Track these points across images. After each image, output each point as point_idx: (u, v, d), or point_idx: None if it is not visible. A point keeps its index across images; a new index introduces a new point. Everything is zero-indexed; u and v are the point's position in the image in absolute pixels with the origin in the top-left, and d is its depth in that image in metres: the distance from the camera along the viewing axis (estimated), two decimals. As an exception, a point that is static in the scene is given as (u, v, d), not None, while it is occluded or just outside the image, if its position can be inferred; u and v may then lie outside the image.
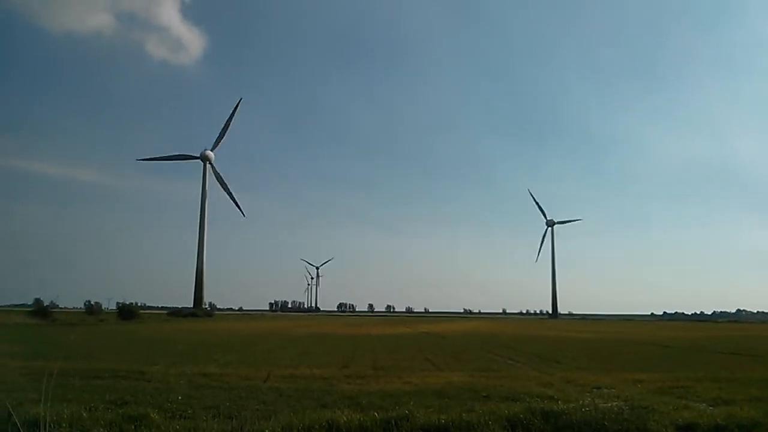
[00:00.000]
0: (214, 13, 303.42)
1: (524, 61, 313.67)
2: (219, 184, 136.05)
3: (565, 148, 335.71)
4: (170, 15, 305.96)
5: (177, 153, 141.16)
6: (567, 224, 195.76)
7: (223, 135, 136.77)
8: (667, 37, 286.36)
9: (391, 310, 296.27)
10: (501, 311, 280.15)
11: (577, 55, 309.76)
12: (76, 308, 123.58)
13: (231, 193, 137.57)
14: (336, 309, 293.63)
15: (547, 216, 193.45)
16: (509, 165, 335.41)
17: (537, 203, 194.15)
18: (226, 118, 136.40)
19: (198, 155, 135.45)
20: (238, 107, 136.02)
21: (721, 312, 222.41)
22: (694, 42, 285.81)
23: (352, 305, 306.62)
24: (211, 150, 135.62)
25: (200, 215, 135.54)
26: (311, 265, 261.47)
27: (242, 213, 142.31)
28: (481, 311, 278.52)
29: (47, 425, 7.13)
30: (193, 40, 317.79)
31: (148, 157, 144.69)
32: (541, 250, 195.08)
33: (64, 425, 8.70)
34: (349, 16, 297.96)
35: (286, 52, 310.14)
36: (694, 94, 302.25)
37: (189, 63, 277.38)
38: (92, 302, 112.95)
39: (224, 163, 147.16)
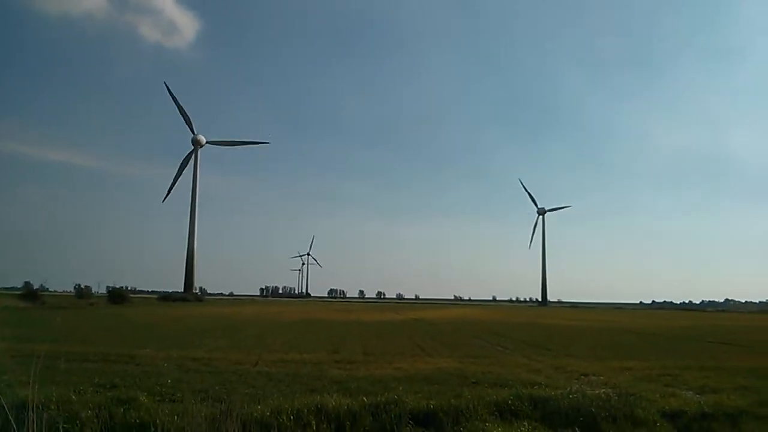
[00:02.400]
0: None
1: (522, 51, 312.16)
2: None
3: (561, 138, 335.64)
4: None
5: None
6: (557, 211, 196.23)
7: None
8: (663, 28, 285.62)
9: (382, 296, 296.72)
10: (491, 299, 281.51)
11: (574, 45, 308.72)
12: (66, 292, 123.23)
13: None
14: (327, 295, 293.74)
15: (538, 204, 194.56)
16: (505, 154, 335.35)
17: (528, 192, 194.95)
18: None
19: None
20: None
21: (709, 301, 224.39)
22: (691, 32, 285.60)
23: (343, 291, 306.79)
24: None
25: (191, 200, 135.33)
26: (300, 256, 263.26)
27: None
28: (471, 298, 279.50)
29: (35, 407, 7.09)
30: (187, 24, 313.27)
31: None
32: (533, 238, 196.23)
33: (52, 407, 8.67)
34: (347, 3, 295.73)
35: (282, 39, 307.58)
36: (689, 85, 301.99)
37: (183, 46, 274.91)
38: (82, 286, 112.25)
39: (219, 150, 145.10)
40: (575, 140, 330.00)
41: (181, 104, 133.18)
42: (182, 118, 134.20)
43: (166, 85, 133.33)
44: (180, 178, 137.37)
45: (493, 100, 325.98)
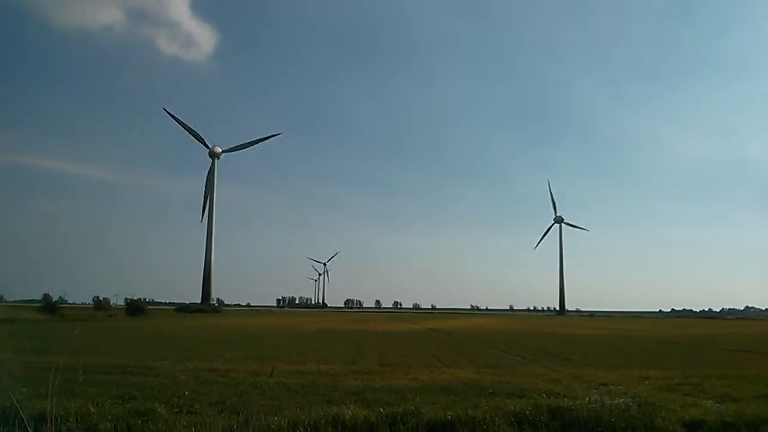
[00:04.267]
0: (225, 10, 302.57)
1: (534, 60, 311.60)
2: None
3: (574, 147, 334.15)
4: (180, 11, 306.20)
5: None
6: (573, 228, 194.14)
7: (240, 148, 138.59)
8: (676, 37, 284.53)
9: (398, 306, 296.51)
10: (508, 308, 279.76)
11: (587, 54, 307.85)
12: (85, 304, 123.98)
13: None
14: (343, 305, 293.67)
15: (557, 212, 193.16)
16: (518, 163, 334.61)
17: (552, 196, 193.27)
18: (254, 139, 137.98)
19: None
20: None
21: (729, 309, 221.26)
22: (704, 41, 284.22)
23: (360, 301, 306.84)
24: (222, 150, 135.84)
25: (208, 211, 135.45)
26: (318, 262, 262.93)
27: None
28: (488, 308, 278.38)
29: (54, 420, 7.15)
30: (204, 36, 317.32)
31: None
32: (542, 242, 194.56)
33: (71, 420, 8.74)
34: (358, 14, 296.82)
35: (296, 50, 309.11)
36: (703, 94, 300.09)
37: (200, 59, 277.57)
38: (100, 298, 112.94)
39: (233, 160, 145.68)
40: (588, 149, 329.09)
41: (187, 123, 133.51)
42: (193, 137, 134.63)
43: (166, 110, 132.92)
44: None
45: (505, 109, 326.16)
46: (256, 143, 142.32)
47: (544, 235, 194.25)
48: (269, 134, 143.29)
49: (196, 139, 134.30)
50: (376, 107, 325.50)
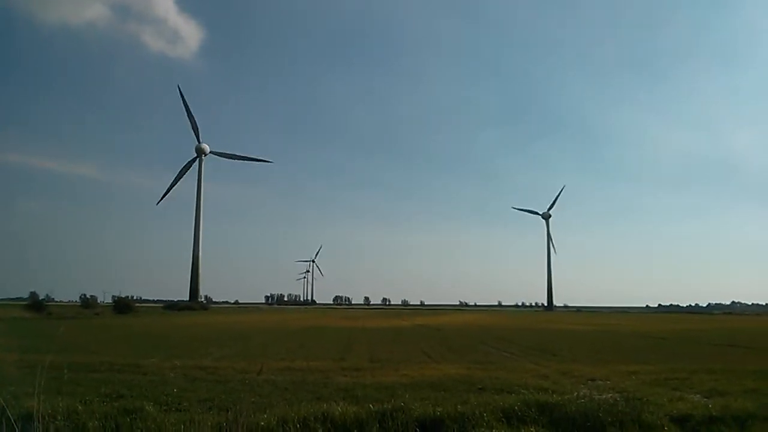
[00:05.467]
0: (212, 6, 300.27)
1: (522, 56, 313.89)
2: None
3: (563, 142, 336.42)
4: (166, 6, 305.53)
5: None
6: (557, 202, 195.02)
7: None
8: (664, 32, 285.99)
9: (387, 303, 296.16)
10: (497, 303, 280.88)
11: (574, 49, 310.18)
12: (72, 302, 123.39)
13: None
14: (332, 302, 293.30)
15: (539, 212, 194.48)
16: (507, 159, 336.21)
17: (527, 211, 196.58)
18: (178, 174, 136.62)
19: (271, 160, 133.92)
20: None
21: (716, 304, 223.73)
22: (692, 36, 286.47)
23: (348, 298, 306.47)
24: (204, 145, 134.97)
25: (195, 208, 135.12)
26: (304, 262, 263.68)
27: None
28: (477, 304, 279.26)
29: (42, 418, 7.09)
30: (190, 32, 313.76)
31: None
32: (551, 243, 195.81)
33: (59, 418, 8.67)
34: (348, 11, 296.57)
35: (284, 47, 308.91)
36: (692, 88, 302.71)
37: (187, 55, 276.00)
38: (88, 296, 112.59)
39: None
40: (577, 144, 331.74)
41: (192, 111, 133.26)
42: (190, 124, 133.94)
43: (179, 88, 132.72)
44: (180, 184, 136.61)
45: (494, 105, 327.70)
46: (245, 159, 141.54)
47: (549, 238, 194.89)
48: (260, 157, 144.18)
49: (192, 128, 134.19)
50: (364, 104, 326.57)
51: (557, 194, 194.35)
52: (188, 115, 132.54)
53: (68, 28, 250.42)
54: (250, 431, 8.53)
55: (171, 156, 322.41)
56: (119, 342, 30.19)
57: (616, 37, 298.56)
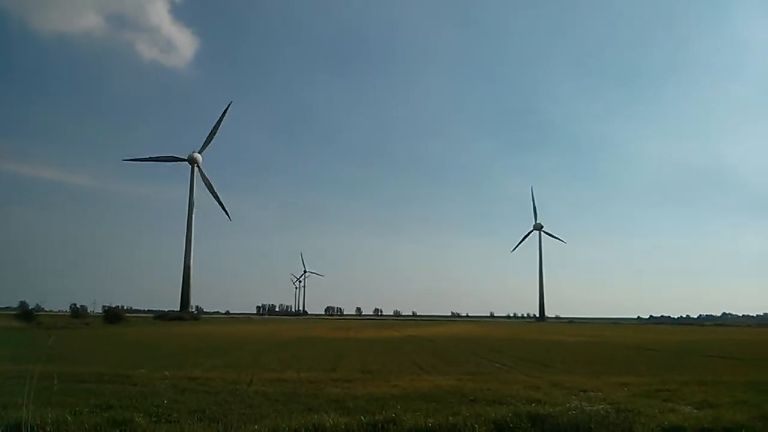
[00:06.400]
0: (206, 15, 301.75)
1: (515, 67, 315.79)
2: (206, 187, 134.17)
3: (555, 153, 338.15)
4: (160, 16, 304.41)
5: (167, 155, 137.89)
6: (551, 238, 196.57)
7: (212, 138, 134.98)
8: (656, 43, 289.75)
9: (379, 313, 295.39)
10: (489, 314, 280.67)
11: (567, 60, 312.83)
12: (62, 311, 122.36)
13: (217, 195, 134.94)
14: (324, 313, 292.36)
15: (537, 219, 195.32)
16: (499, 169, 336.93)
17: (534, 204, 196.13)
18: (215, 121, 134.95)
19: (185, 157, 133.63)
20: (228, 111, 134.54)
21: (707, 315, 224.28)
22: (684, 47, 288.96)
23: (340, 309, 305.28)
24: (199, 152, 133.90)
25: (187, 218, 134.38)
26: (296, 277, 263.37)
27: (228, 216, 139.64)
28: (469, 315, 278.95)
29: (30, 429, 7.04)
30: (184, 41, 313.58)
31: (134, 157, 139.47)
32: (520, 247, 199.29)
33: (47, 429, 8.60)
34: (342, 20, 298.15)
35: (278, 56, 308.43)
36: (683, 99, 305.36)
37: (180, 64, 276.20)
38: (78, 305, 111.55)
39: (214, 166, 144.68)
40: (569, 154, 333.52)
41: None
42: (208, 136, 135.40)
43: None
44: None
45: (486, 115, 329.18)
46: (159, 160, 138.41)
47: (522, 240, 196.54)
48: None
49: (172, 161, 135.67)
50: (359, 113, 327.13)
51: (532, 199, 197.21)
52: (214, 129, 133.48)
53: (63, 37, 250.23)
54: (240, 442, 8.48)
55: (165, 165, 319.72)
56: (109, 352, 29.99)
57: (608, 48, 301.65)
